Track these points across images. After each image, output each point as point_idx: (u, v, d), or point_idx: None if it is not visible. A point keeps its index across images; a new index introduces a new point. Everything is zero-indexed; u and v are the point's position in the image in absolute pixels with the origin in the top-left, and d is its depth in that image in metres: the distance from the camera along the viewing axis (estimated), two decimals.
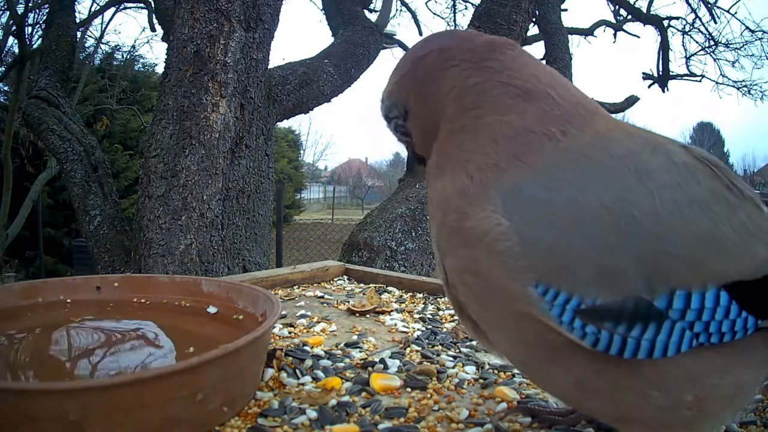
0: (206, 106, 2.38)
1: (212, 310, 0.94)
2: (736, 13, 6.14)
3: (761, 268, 0.50)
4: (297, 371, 0.82)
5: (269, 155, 2.75)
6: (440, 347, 0.96)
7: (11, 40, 6.84)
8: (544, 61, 3.96)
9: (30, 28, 6.32)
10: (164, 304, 0.97)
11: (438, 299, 1.28)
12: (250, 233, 2.59)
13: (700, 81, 6.33)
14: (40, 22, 6.21)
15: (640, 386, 0.51)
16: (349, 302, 1.22)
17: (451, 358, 0.90)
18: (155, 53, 16.36)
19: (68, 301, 0.96)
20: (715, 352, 0.50)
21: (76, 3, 4.05)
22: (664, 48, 5.82)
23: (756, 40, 5.90)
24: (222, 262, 2.42)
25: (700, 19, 5.85)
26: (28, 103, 3.34)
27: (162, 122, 2.41)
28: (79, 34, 5.49)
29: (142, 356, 0.81)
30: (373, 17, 3.97)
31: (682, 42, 6.26)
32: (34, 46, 6.02)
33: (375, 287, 1.35)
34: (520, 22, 3.32)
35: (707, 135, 35.46)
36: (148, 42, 11.13)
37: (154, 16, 5.09)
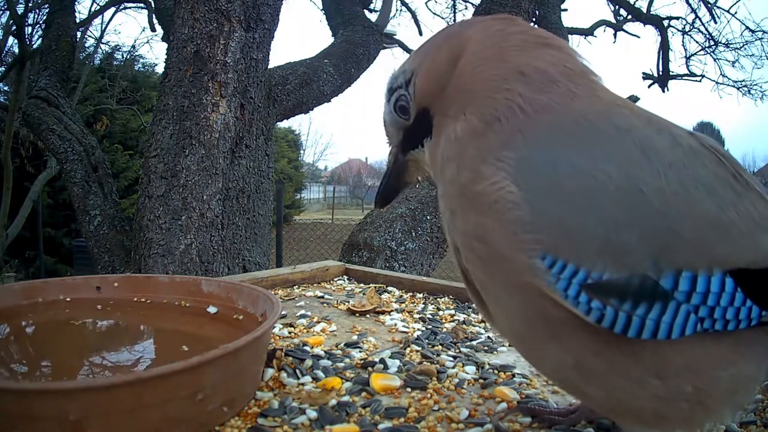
0: (206, 106, 2.38)
1: (212, 310, 0.94)
2: (736, 13, 6.14)
3: (766, 258, 0.50)
4: (297, 371, 0.82)
5: (269, 155, 2.75)
6: (440, 347, 0.95)
7: (11, 40, 6.85)
8: None
9: (30, 28, 6.34)
10: (164, 304, 0.97)
11: (438, 299, 1.28)
12: (250, 233, 2.59)
13: (700, 81, 6.34)
14: (40, 22, 6.22)
15: (638, 372, 0.50)
16: (349, 302, 1.22)
17: (451, 358, 0.90)
18: (155, 53, 16.36)
19: (68, 300, 0.95)
20: (718, 342, 0.50)
21: (76, 3, 4.06)
22: (664, 48, 5.82)
23: (756, 40, 5.91)
24: (222, 262, 2.42)
25: (700, 19, 5.86)
26: (28, 103, 3.34)
27: (162, 122, 2.41)
28: (79, 34, 5.50)
29: (142, 356, 0.81)
30: (373, 17, 3.98)
31: (682, 42, 6.27)
32: (34, 46, 6.03)
33: (375, 287, 1.35)
34: None
35: (707, 135, 35.38)
36: (148, 42, 11.15)
37: (154, 16, 5.10)
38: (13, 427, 0.57)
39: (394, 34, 4.92)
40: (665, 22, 5.80)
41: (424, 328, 1.06)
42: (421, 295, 1.32)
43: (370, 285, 1.40)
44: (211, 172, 2.38)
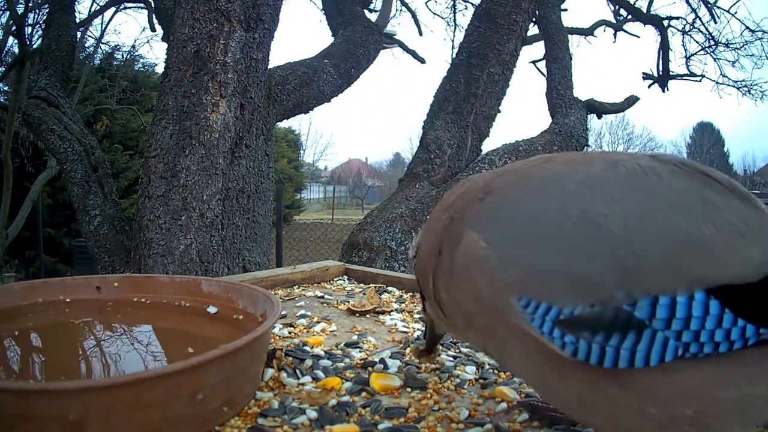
0: (206, 106, 2.38)
1: (212, 310, 0.94)
2: (736, 13, 6.13)
3: (756, 272, 0.48)
4: (297, 371, 0.82)
5: (269, 155, 2.75)
6: (440, 347, 0.95)
7: (11, 40, 6.84)
8: (544, 61, 3.96)
9: (30, 28, 6.33)
10: (164, 304, 0.97)
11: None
12: (250, 233, 2.59)
13: (700, 81, 6.33)
14: (40, 22, 6.22)
15: (635, 402, 0.50)
16: (349, 302, 1.22)
17: (451, 358, 0.90)
18: (155, 53, 16.36)
19: (68, 301, 0.95)
20: (715, 365, 0.48)
21: (76, 3, 4.05)
22: (664, 48, 5.82)
23: (756, 40, 5.90)
24: (222, 262, 2.42)
25: (700, 19, 5.85)
26: (28, 103, 3.34)
27: (162, 122, 2.41)
28: (79, 34, 5.50)
29: (142, 356, 0.81)
30: (373, 17, 3.97)
31: (682, 42, 6.26)
32: (34, 46, 6.03)
33: (375, 287, 1.35)
34: (520, 22, 3.32)
35: (707, 135, 35.44)
36: (148, 42, 11.14)
37: (154, 16, 5.09)
38: (13, 427, 0.57)
39: (394, 34, 4.91)
40: (665, 22, 5.79)
41: (424, 328, 1.06)
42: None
43: (370, 285, 1.40)
44: (211, 172, 2.38)
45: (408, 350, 0.93)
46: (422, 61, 4.79)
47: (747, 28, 5.88)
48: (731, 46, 5.99)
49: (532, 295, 0.50)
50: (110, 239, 3.03)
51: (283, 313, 1.13)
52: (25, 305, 0.92)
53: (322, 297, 1.28)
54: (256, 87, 2.57)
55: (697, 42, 6.16)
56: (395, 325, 1.08)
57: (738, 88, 6.42)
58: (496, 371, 0.86)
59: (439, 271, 0.61)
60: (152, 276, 1.03)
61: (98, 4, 6.63)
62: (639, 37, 6.17)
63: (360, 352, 0.93)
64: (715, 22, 5.77)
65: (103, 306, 0.96)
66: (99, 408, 0.57)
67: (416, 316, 1.15)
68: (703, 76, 6.28)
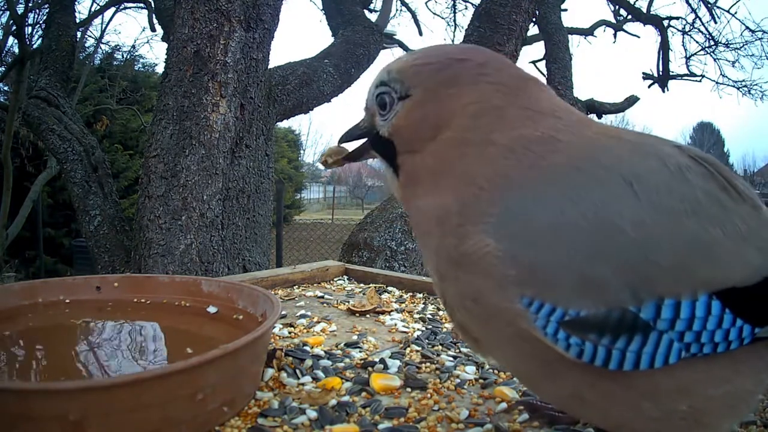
0: (206, 106, 2.38)
1: (212, 310, 0.94)
2: (736, 13, 6.14)
3: (755, 274, 0.49)
4: (297, 371, 0.82)
5: (269, 155, 2.75)
6: (440, 347, 0.95)
7: (11, 40, 6.84)
8: (544, 61, 3.97)
9: (30, 28, 6.34)
10: (164, 304, 0.97)
11: (438, 299, 1.28)
12: (250, 233, 2.59)
13: (700, 81, 6.34)
14: (40, 22, 6.22)
15: (632, 397, 0.50)
16: (349, 302, 1.22)
17: (451, 358, 0.90)
18: (155, 53, 16.35)
19: (68, 301, 0.95)
20: (710, 363, 0.49)
21: (76, 3, 4.05)
22: (664, 48, 5.82)
23: (756, 40, 5.91)
24: (222, 262, 2.42)
25: (700, 19, 5.86)
26: (28, 103, 3.33)
27: (162, 122, 2.41)
28: (79, 34, 5.50)
29: (142, 356, 0.81)
30: (373, 17, 3.97)
31: (682, 42, 6.26)
32: (34, 46, 6.03)
33: (375, 287, 1.35)
34: (520, 22, 3.32)
35: (707, 135, 35.44)
36: (148, 42, 11.15)
37: (154, 16, 5.10)
38: (13, 427, 0.57)
39: (394, 34, 4.92)
40: (665, 22, 5.80)
41: (424, 328, 1.06)
42: (421, 295, 1.32)
43: (370, 285, 1.40)
44: (211, 172, 2.38)
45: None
46: None
47: (747, 28, 5.89)
48: (731, 46, 6.00)
49: (537, 296, 0.49)
50: (110, 239, 3.03)
51: (283, 313, 1.13)
52: (25, 305, 0.92)
53: (322, 297, 1.28)
54: (256, 87, 2.57)
55: (697, 42, 6.17)
56: (395, 325, 1.08)
57: (738, 88, 6.43)
58: (496, 371, 0.86)
59: (441, 246, 0.57)
60: (152, 276, 1.03)
61: (98, 4, 6.64)
62: (639, 37, 6.18)
63: (360, 352, 0.93)
64: (715, 22, 5.78)
65: (103, 306, 0.96)
66: (99, 408, 0.57)
67: (416, 316, 1.15)
68: (703, 76, 6.29)
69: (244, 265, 2.54)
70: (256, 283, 1.25)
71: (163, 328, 0.92)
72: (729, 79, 6.39)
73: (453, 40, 6.07)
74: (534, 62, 5.36)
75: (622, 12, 6.00)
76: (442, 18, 6.39)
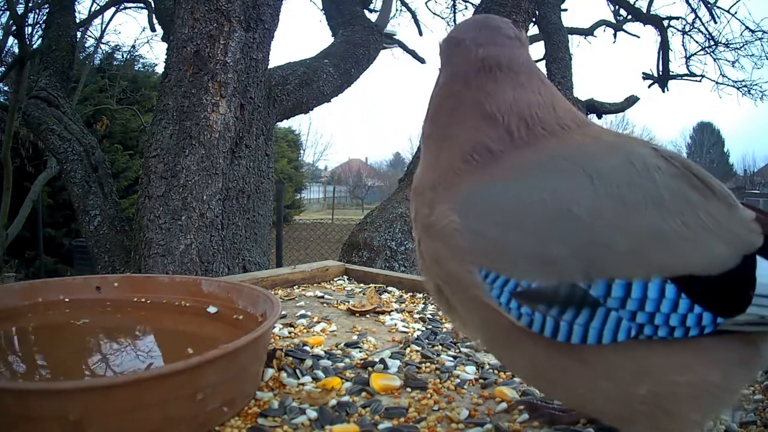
0: (206, 106, 2.38)
1: (212, 310, 0.94)
2: (736, 13, 6.14)
3: (718, 265, 0.51)
4: (297, 371, 0.82)
5: (269, 155, 2.75)
6: (440, 347, 0.96)
7: (11, 40, 6.84)
8: (544, 61, 3.96)
9: (30, 28, 6.33)
10: (164, 304, 0.97)
11: None
12: (250, 233, 2.59)
13: (700, 81, 6.33)
14: (40, 22, 6.21)
15: (589, 375, 0.52)
16: (349, 302, 1.22)
17: (451, 358, 0.90)
18: (155, 53, 16.34)
19: (68, 301, 0.96)
20: (669, 348, 0.51)
21: (76, 3, 4.05)
22: (664, 48, 5.82)
23: (756, 40, 5.90)
24: (222, 262, 2.42)
25: (700, 19, 5.85)
26: (28, 103, 3.33)
27: (162, 122, 2.41)
28: (79, 34, 5.49)
29: (142, 356, 0.81)
30: (373, 17, 3.97)
31: (682, 42, 6.26)
32: (34, 46, 6.02)
33: (375, 287, 1.35)
34: (520, 22, 3.32)
35: (707, 135, 35.43)
36: (148, 42, 11.11)
37: (154, 16, 5.09)
38: (13, 427, 0.57)
39: (394, 34, 4.91)
40: (665, 22, 5.80)
41: (424, 328, 1.06)
42: (421, 295, 1.32)
43: (370, 285, 1.40)
44: (211, 172, 2.38)
45: None
46: (422, 61, 4.79)
47: (747, 28, 5.89)
48: (731, 46, 6.00)
49: (493, 269, 0.53)
50: (110, 239, 3.03)
51: (283, 313, 1.13)
52: (25, 305, 0.92)
53: (322, 297, 1.28)
54: (256, 87, 2.57)
55: (697, 42, 6.17)
56: (395, 325, 1.08)
57: (738, 88, 6.43)
58: (496, 371, 0.86)
59: (417, 215, 0.63)
60: (152, 276, 1.03)
61: (98, 4, 6.63)
62: (639, 37, 6.18)
63: (360, 352, 0.93)
64: (715, 22, 5.77)
65: (103, 306, 0.96)
66: (99, 408, 0.57)
67: (416, 316, 1.15)
68: (703, 76, 6.29)
69: (244, 265, 2.54)
70: (256, 283, 1.25)
71: (163, 328, 0.92)
72: (729, 79, 6.39)
73: None
74: (534, 62, 5.36)
75: (622, 12, 6.00)
76: (442, 18, 6.39)
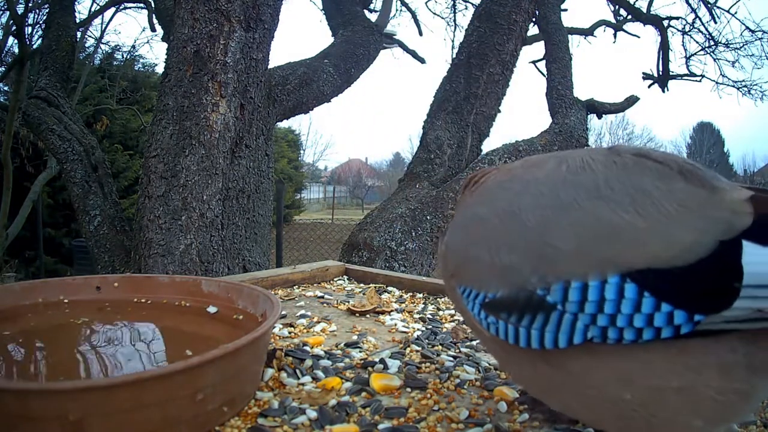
0: (206, 106, 2.38)
1: (212, 310, 0.94)
2: (736, 13, 6.14)
3: (684, 255, 0.46)
4: (297, 371, 0.82)
5: (269, 155, 2.75)
6: (440, 347, 0.95)
7: (11, 40, 6.84)
8: (544, 61, 3.95)
9: (30, 28, 6.33)
10: (164, 304, 0.97)
11: (438, 299, 1.28)
12: (250, 233, 2.59)
13: (700, 81, 6.32)
14: (40, 22, 6.21)
15: (571, 383, 0.52)
16: (349, 302, 1.22)
17: (451, 358, 0.90)
18: (155, 53, 16.37)
19: (68, 301, 0.95)
20: (647, 351, 0.47)
21: (76, 3, 4.04)
22: (664, 48, 5.81)
23: (756, 40, 5.89)
24: (222, 262, 2.42)
25: (700, 19, 5.85)
26: (28, 103, 3.33)
27: (162, 122, 2.41)
28: (79, 34, 5.49)
29: (142, 356, 0.81)
30: (373, 17, 3.97)
31: (682, 42, 6.25)
32: (34, 46, 6.03)
33: (375, 287, 1.35)
34: (519, 22, 3.32)
35: (707, 135, 35.42)
36: (148, 42, 11.15)
37: (154, 16, 5.09)
38: (13, 427, 0.57)
39: (394, 34, 4.91)
40: (665, 22, 5.79)
41: (424, 328, 1.06)
42: (421, 295, 1.32)
43: (370, 285, 1.40)
44: (211, 172, 2.38)
45: None
46: (422, 61, 4.79)
47: (747, 28, 5.88)
48: (731, 46, 5.99)
49: (464, 283, 0.57)
50: (110, 239, 3.03)
51: (283, 313, 1.13)
52: (25, 305, 0.92)
53: (322, 297, 1.28)
54: (256, 87, 2.57)
55: (697, 42, 6.16)
56: (395, 325, 1.08)
57: (738, 88, 6.42)
58: (496, 371, 0.86)
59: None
60: (152, 276, 1.03)
61: (98, 4, 6.64)
62: (639, 37, 6.17)
63: (360, 352, 0.93)
64: (715, 22, 5.77)
65: (103, 306, 0.96)
66: (99, 408, 0.57)
67: (416, 316, 1.15)
68: (703, 76, 6.28)
69: (244, 265, 2.54)
70: (256, 283, 1.25)
71: (163, 328, 0.92)
72: (729, 79, 6.38)
73: (453, 40, 6.07)
74: (534, 62, 5.36)
75: (622, 12, 5.99)
76: (442, 18, 6.38)
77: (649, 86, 6.11)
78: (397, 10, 5.50)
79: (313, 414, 0.69)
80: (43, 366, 0.79)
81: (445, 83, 3.35)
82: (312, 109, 3.28)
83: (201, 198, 2.36)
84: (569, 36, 4.07)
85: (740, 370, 0.47)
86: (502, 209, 0.56)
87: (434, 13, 6.56)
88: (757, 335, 0.46)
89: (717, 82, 6.37)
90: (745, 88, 6.39)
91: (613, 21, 6.04)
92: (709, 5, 5.59)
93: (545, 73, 3.77)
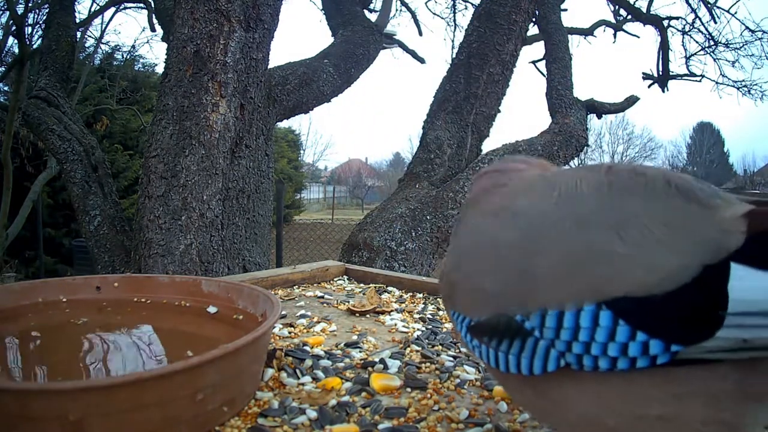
0: (206, 106, 2.38)
1: (212, 310, 0.94)
2: (736, 13, 6.14)
3: (664, 281, 0.43)
4: (297, 371, 0.82)
5: (269, 155, 2.75)
6: (440, 347, 0.95)
7: (11, 40, 6.84)
8: (544, 61, 3.96)
9: (30, 28, 6.33)
10: (164, 304, 0.97)
11: (438, 299, 1.28)
12: (250, 233, 2.59)
13: (700, 81, 6.32)
14: (40, 22, 6.22)
15: (557, 409, 0.52)
16: (349, 302, 1.22)
17: (451, 358, 0.90)
18: (155, 53, 16.37)
19: (68, 301, 0.95)
20: (626, 380, 0.46)
21: (76, 3, 4.04)
22: (664, 48, 5.81)
23: (756, 40, 5.89)
24: (222, 262, 2.42)
25: (700, 19, 5.85)
26: (28, 103, 3.33)
27: (162, 122, 2.41)
28: (79, 34, 5.50)
29: (142, 356, 0.81)
30: (373, 17, 3.97)
31: (682, 42, 6.25)
32: (34, 46, 6.03)
33: (375, 287, 1.35)
34: (519, 22, 3.32)
35: (707, 135, 35.43)
36: (148, 42, 11.15)
37: (154, 16, 5.09)
38: (13, 427, 0.57)
39: (394, 34, 4.90)
40: (665, 22, 5.79)
41: (424, 328, 1.06)
42: (421, 295, 1.32)
43: (370, 285, 1.40)
44: (211, 172, 2.38)
45: None
46: (422, 61, 4.79)
47: (747, 28, 5.88)
48: (731, 46, 5.99)
49: (454, 307, 0.59)
50: (110, 239, 3.03)
51: (283, 313, 1.13)
52: (25, 305, 0.92)
53: (322, 297, 1.28)
54: (256, 87, 2.57)
55: (697, 42, 6.16)
56: (395, 325, 1.08)
57: (738, 88, 6.41)
58: None
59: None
60: (152, 276, 1.03)
61: (98, 4, 6.64)
62: (639, 37, 6.17)
63: (360, 352, 0.93)
64: (715, 22, 5.77)
65: (102, 306, 0.96)
66: (99, 408, 0.57)
67: (416, 316, 1.15)
68: (703, 76, 6.27)
69: (244, 265, 2.54)
70: (256, 283, 1.25)
71: (163, 328, 0.92)
72: (729, 79, 6.37)
73: (453, 40, 6.07)
74: (534, 62, 5.36)
75: (622, 12, 5.99)
76: (442, 18, 6.38)
77: (649, 86, 6.11)
78: (397, 10, 5.50)
79: (313, 414, 0.69)
80: (43, 366, 0.79)
81: (445, 83, 3.35)
82: (312, 109, 3.28)
83: (201, 198, 2.36)
84: (569, 36, 4.06)
85: (729, 399, 0.45)
86: (485, 239, 0.57)
87: (434, 13, 6.57)
88: (755, 361, 0.43)
89: (717, 82, 6.37)
90: (745, 88, 6.39)
91: (613, 21, 6.04)
92: (709, 5, 5.59)
93: (545, 73, 3.77)
